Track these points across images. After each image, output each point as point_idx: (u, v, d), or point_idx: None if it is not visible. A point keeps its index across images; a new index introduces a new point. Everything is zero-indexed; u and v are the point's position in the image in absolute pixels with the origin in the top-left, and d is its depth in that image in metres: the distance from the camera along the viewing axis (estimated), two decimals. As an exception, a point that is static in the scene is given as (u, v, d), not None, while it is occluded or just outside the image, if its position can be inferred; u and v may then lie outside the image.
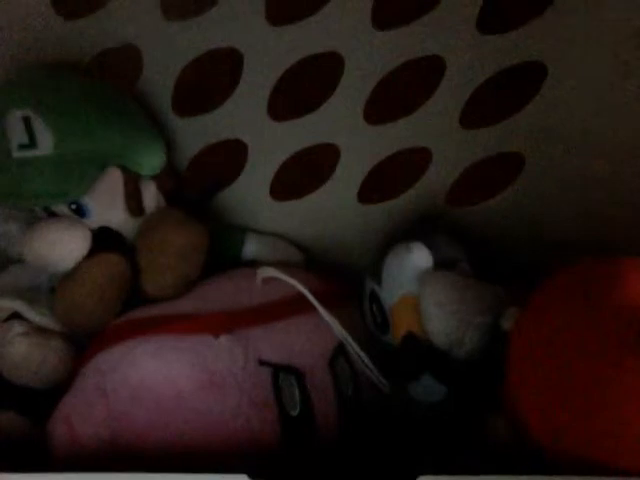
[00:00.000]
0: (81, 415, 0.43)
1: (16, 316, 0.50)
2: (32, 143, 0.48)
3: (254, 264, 0.56)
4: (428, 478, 0.36)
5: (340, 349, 0.49)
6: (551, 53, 0.53)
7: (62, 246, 0.49)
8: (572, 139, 0.56)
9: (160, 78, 0.53)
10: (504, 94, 0.55)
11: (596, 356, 0.41)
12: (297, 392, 0.46)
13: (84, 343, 0.48)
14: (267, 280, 0.51)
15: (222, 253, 0.56)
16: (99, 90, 0.51)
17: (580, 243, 0.58)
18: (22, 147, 0.48)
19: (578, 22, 0.51)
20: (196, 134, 0.56)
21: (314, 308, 0.49)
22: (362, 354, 0.49)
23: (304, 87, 0.55)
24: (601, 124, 0.55)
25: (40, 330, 0.49)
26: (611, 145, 0.55)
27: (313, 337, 0.49)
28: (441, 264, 0.52)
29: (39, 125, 0.48)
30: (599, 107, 0.54)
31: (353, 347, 0.49)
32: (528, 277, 0.47)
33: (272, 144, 0.57)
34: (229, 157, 0.58)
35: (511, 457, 0.44)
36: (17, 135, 0.48)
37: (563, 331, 0.43)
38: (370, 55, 0.53)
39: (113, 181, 0.50)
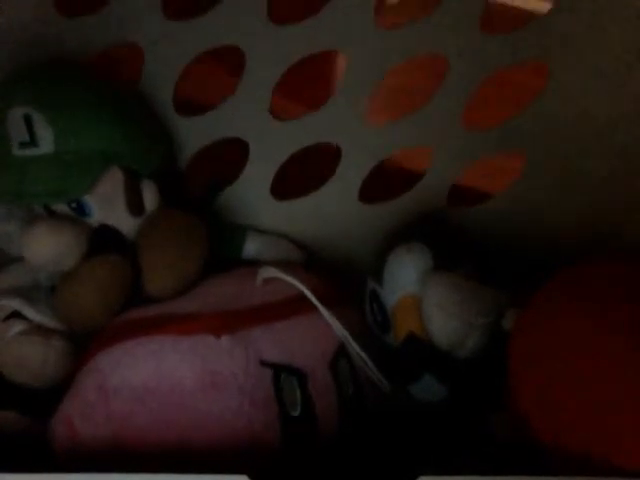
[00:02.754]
0: (82, 415, 0.43)
1: (16, 315, 0.49)
2: (33, 141, 0.48)
3: (255, 263, 0.56)
4: (428, 478, 0.36)
5: (341, 349, 0.49)
6: (553, 53, 0.53)
7: (62, 245, 0.48)
8: (573, 139, 0.56)
9: (161, 76, 0.53)
10: (506, 93, 0.55)
11: (597, 355, 0.41)
12: (298, 392, 0.45)
13: (84, 342, 0.48)
14: (268, 280, 0.51)
15: (223, 252, 0.56)
16: (100, 89, 0.51)
17: (580, 243, 0.58)
18: (23, 145, 0.48)
19: (580, 22, 0.51)
20: (197, 132, 0.56)
21: (315, 308, 0.49)
22: (363, 354, 0.49)
23: (306, 86, 0.55)
24: (602, 124, 0.55)
25: (40, 329, 0.49)
26: (612, 145, 0.55)
27: (314, 337, 0.48)
28: (442, 265, 0.52)
29: (40, 123, 0.48)
30: (601, 107, 0.54)
31: (354, 347, 0.49)
32: (529, 277, 0.47)
33: (273, 143, 0.56)
34: (230, 156, 0.58)
35: (512, 456, 0.44)
36: (18, 133, 0.48)
37: (564, 330, 0.43)
38: (372, 54, 0.53)
39: (114, 180, 0.50)
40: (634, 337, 0.41)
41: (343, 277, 0.56)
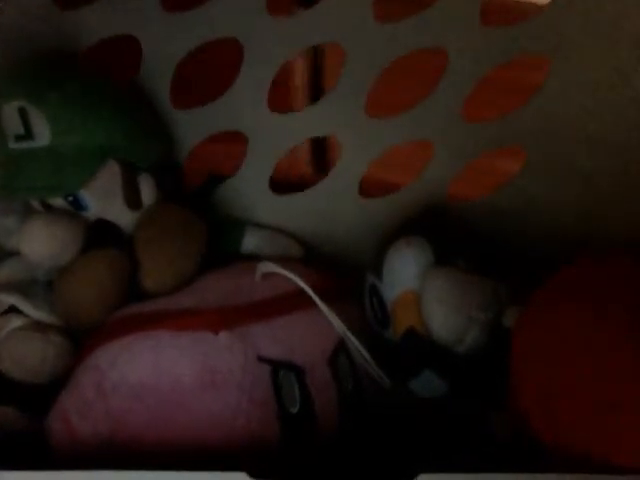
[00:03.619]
0: (79, 412, 0.43)
1: (13, 310, 0.49)
2: (28, 134, 0.48)
3: (253, 257, 0.56)
4: (428, 476, 0.36)
5: (340, 345, 0.49)
6: (553, 48, 0.52)
7: (58, 240, 0.48)
8: (573, 135, 0.55)
9: (159, 69, 0.53)
10: (506, 89, 0.54)
11: (597, 354, 0.41)
12: (297, 389, 0.45)
13: (82, 337, 0.48)
14: (267, 275, 0.50)
15: (221, 246, 0.55)
16: (97, 82, 0.51)
17: (580, 239, 0.57)
18: (18, 138, 0.48)
19: (581, 18, 0.51)
20: (195, 126, 0.56)
21: (314, 304, 0.49)
22: (362, 350, 0.49)
23: (305, 79, 0.54)
24: (602, 121, 0.54)
25: (38, 324, 0.49)
26: (612, 144, 0.55)
27: (313, 333, 0.48)
28: (442, 259, 0.52)
29: (35, 116, 0.48)
30: (600, 103, 0.54)
31: (353, 342, 0.49)
32: (528, 273, 0.47)
33: (272, 136, 0.56)
34: (229, 150, 0.57)
35: (512, 453, 0.44)
36: (13, 126, 0.48)
37: (564, 329, 0.43)
38: (371, 47, 0.52)
39: (111, 174, 0.50)
40: (635, 336, 0.41)
41: (342, 272, 0.56)
